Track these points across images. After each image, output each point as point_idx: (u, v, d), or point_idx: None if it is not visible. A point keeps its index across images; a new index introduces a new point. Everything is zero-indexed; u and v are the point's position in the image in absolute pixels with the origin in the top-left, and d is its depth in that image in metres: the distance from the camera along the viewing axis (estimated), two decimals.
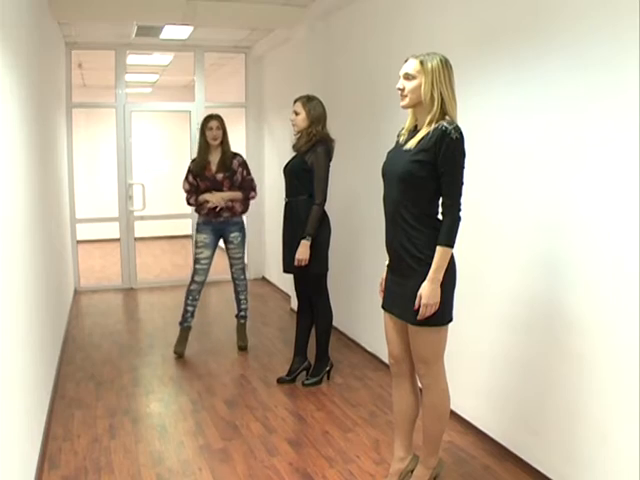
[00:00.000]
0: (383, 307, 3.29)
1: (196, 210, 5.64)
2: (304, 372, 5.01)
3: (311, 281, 4.88)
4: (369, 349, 5.58)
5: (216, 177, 5.51)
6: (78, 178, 8.33)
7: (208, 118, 5.57)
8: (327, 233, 4.82)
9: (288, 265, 4.87)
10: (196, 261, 5.64)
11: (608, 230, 2.95)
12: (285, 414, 4.41)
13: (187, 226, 9.21)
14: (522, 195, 3.56)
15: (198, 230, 5.68)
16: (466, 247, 4.05)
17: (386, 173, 3.17)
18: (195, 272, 5.63)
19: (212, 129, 5.50)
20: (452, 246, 2.96)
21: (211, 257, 5.65)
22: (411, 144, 3.02)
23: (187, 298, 5.68)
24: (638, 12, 2.68)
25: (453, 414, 4.20)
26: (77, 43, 8.02)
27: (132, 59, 8.89)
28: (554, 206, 3.30)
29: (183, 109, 9.15)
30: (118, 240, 8.61)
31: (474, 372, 4.05)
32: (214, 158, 5.56)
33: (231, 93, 9.79)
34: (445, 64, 2.95)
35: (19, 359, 3.20)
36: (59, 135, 6.95)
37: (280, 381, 4.96)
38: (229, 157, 5.58)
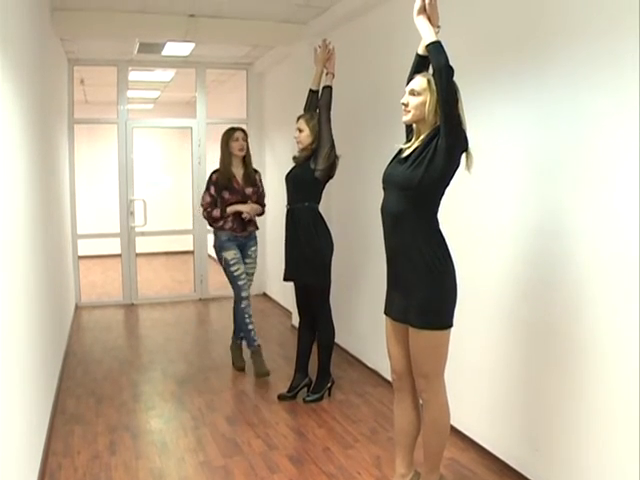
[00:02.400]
0: (385, 313, 3.31)
1: (214, 224, 5.57)
2: (305, 388, 4.99)
3: (313, 295, 4.88)
4: (370, 365, 5.56)
5: (245, 191, 5.53)
6: (80, 194, 8.33)
7: (232, 130, 5.55)
8: (330, 247, 4.85)
9: (290, 273, 4.89)
10: (237, 278, 5.51)
11: (609, 245, 2.95)
12: (286, 431, 4.40)
13: (188, 242, 9.22)
14: (523, 209, 3.57)
15: (225, 247, 5.52)
16: (466, 263, 4.06)
17: (386, 182, 3.19)
18: (240, 289, 5.53)
19: (238, 140, 5.49)
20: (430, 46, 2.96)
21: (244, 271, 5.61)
22: (408, 151, 3.09)
23: (244, 318, 5.57)
24: (638, 30, 2.70)
25: (454, 430, 4.18)
26: (79, 59, 8.07)
27: (134, 75, 8.94)
28: (555, 220, 3.31)
29: (184, 125, 9.19)
30: (119, 256, 8.61)
31: (475, 388, 4.04)
32: (238, 171, 5.56)
33: (232, 109, 9.82)
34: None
35: (20, 374, 3.20)
36: (61, 151, 6.97)
37: (281, 398, 4.94)
38: (252, 171, 5.62)
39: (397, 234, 3.10)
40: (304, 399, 4.89)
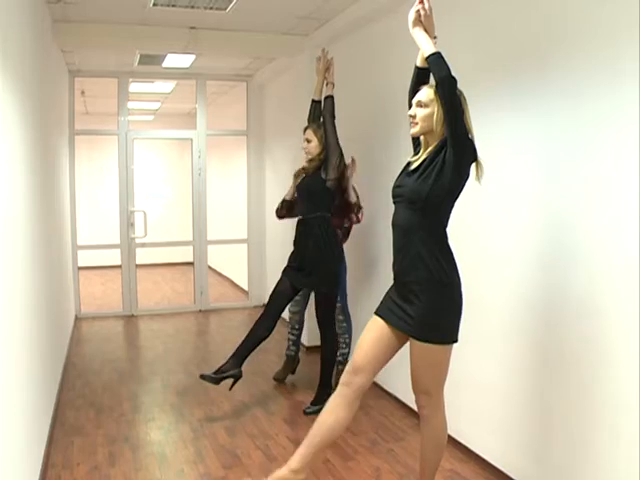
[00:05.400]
0: (379, 314, 3.21)
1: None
2: (231, 380, 4.83)
3: (322, 304, 4.89)
4: None
5: None
6: (80, 205, 8.34)
7: None
8: (340, 257, 4.92)
9: (300, 281, 4.88)
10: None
11: (610, 259, 2.96)
12: (286, 442, 4.38)
13: (188, 253, 9.22)
14: (530, 220, 3.57)
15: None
16: (468, 277, 4.07)
17: (394, 196, 3.17)
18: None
19: None
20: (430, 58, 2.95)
21: None
22: (417, 164, 3.07)
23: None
24: (638, 41, 2.71)
25: (454, 441, 4.18)
26: (80, 71, 8.09)
27: (134, 87, 8.97)
28: (563, 232, 3.31)
29: (185, 137, 9.22)
30: (119, 267, 8.61)
31: (476, 399, 4.03)
32: None
33: (232, 121, 9.85)
34: (459, 95, 2.97)
35: (19, 385, 3.19)
36: (61, 162, 6.98)
37: (204, 377, 4.77)
38: None
39: (406, 247, 3.06)
40: (304, 410, 4.88)
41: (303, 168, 4.99)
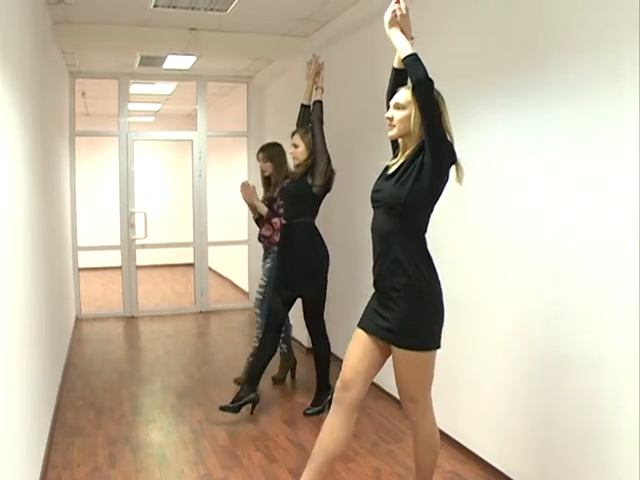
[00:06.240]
0: (360, 325, 3.16)
1: None
2: (250, 405, 4.80)
3: (313, 308, 4.87)
4: None
5: None
6: (80, 206, 8.35)
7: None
8: (326, 260, 4.85)
9: (288, 288, 4.83)
10: None
11: (609, 267, 2.96)
12: (286, 443, 4.38)
13: (189, 254, 9.22)
14: (527, 223, 3.57)
15: None
16: (466, 277, 4.07)
17: (373, 201, 3.10)
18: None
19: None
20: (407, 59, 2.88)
21: None
22: (394, 167, 3.01)
23: None
24: (638, 46, 2.71)
25: (454, 442, 4.18)
26: (81, 72, 8.10)
27: (135, 88, 8.98)
28: (560, 235, 3.31)
29: (185, 138, 9.21)
30: (120, 268, 8.62)
31: (476, 399, 4.03)
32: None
33: (233, 122, 9.85)
34: (437, 96, 2.90)
35: (19, 386, 3.19)
36: (62, 163, 6.99)
37: (223, 409, 4.68)
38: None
39: (384, 253, 3.01)
40: (304, 412, 4.88)
41: (289, 172, 4.98)
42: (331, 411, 3.19)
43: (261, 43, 6.65)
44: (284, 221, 4.95)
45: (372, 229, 3.11)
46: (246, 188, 5.38)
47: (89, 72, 8.16)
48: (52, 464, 4.02)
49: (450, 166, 2.93)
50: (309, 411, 4.88)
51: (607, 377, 2.98)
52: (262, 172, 5.57)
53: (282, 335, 5.53)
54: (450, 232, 4.25)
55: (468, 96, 3.99)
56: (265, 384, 5.59)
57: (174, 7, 5.54)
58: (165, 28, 6.27)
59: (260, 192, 5.58)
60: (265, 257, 5.60)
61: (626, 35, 2.78)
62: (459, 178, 2.98)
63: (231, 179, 10.41)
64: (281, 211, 5.27)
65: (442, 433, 4.31)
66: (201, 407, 5.06)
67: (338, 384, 3.16)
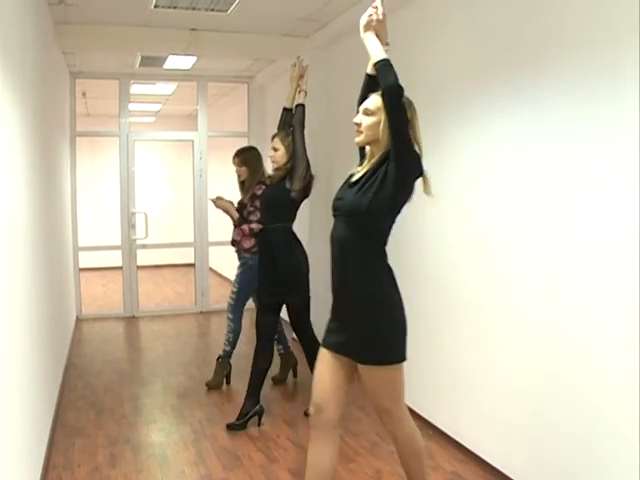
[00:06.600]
0: (324, 344, 3.05)
1: None
2: (256, 417, 4.73)
3: (298, 313, 4.79)
4: None
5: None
6: (81, 206, 8.35)
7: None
8: (306, 264, 4.77)
9: (270, 294, 4.72)
10: None
11: (609, 267, 2.95)
12: (287, 444, 4.38)
13: (189, 255, 9.22)
14: (527, 220, 3.57)
15: None
16: (466, 277, 4.07)
17: (334, 209, 2.99)
18: None
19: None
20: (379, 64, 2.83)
21: None
22: (358, 175, 2.92)
23: None
24: (638, 46, 2.71)
25: (455, 443, 4.18)
26: (81, 72, 8.10)
27: (136, 88, 8.98)
28: (559, 233, 3.31)
29: (186, 138, 9.21)
30: (120, 268, 8.62)
31: (476, 400, 4.03)
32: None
33: (233, 122, 9.85)
34: (408, 106, 2.82)
35: (20, 386, 3.19)
36: (63, 163, 6.99)
37: (230, 427, 4.62)
38: None
39: (343, 263, 2.90)
40: (305, 412, 4.87)
41: (269, 177, 4.95)
42: (311, 437, 3.05)
43: (262, 43, 6.65)
44: (261, 226, 4.90)
45: (331, 238, 2.96)
46: (217, 202, 5.53)
47: (90, 72, 8.16)
48: (53, 464, 4.02)
49: (416, 178, 2.83)
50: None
51: (608, 378, 2.98)
52: (238, 177, 5.58)
53: (276, 336, 5.53)
54: (450, 232, 4.25)
55: (469, 96, 3.99)
56: (265, 384, 5.59)
57: (175, 7, 5.54)
58: (166, 28, 6.28)
59: (237, 197, 5.62)
60: (239, 262, 5.67)
61: (626, 35, 2.78)
62: (427, 190, 2.88)
63: (232, 179, 10.40)
64: (251, 217, 5.28)
65: (443, 434, 4.35)
66: (202, 407, 5.06)
67: (311, 409, 3.05)
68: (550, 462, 3.37)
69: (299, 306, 4.78)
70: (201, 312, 8.77)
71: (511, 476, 3.71)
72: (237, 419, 4.65)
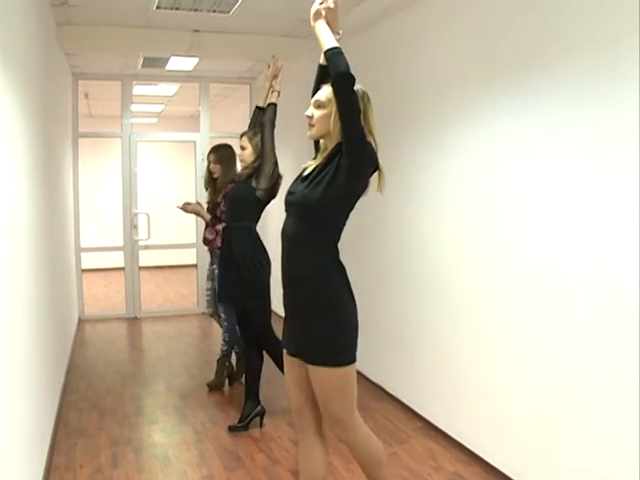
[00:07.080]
0: (283, 347, 2.99)
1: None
2: (258, 418, 4.71)
3: (253, 318, 4.66)
4: (373, 379, 5.53)
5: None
6: (83, 207, 8.37)
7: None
8: (267, 268, 4.63)
9: (227, 295, 4.72)
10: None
11: (609, 267, 2.95)
12: (289, 445, 4.38)
13: (192, 255, 9.23)
14: (527, 221, 3.57)
15: None
16: (467, 277, 4.07)
17: (285, 203, 2.90)
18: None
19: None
20: (329, 53, 2.71)
21: None
22: (310, 169, 2.83)
23: None
24: (638, 46, 2.71)
25: (457, 444, 4.18)
26: (84, 73, 8.12)
27: (138, 89, 8.99)
28: (562, 234, 3.31)
29: (188, 139, 9.23)
30: (122, 269, 8.64)
31: (479, 402, 4.02)
32: None
33: (235, 123, 9.84)
34: (362, 97, 2.74)
35: (22, 387, 3.20)
36: (65, 164, 6.99)
37: (232, 429, 4.61)
38: None
39: (293, 260, 2.80)
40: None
41: (236, 174, 4.94)
42: (299, 442, 3.02)
43: (264, 44, 6.65)
44: (224, 224, 4.88)
45: (282, 233, 2.85)
46: (187, 208, 5.56)
47: (92, 73, 8.18)
48: (55, 465, 4.02)
49: (370, 173, 2.74)
50: None
51: (608, 377, 2.98)
52: (211, 174, 5.51)
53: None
54: (450, 231, 4.25)
55: (471, 95, 3.99)
56: (266, 385, 5.59)
57: (177, 9, 5.55)
58: (168, 30, 6.29)
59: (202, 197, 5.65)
60: (211, 261, 5.66)
61: (626, 35, 2.78)
62: (380, 187, 2.78)
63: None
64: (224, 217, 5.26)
65: (445, 435, 4.35)
66: (204, 408, 5.06)
67: (294, 414, 3.02)
68: (552, 462, 3.37)
69: (255, 311, 4.62)
70: (203, 313, 8.74)
71: (512, 477, 3.70)
72: (239, 421, 4.65)
